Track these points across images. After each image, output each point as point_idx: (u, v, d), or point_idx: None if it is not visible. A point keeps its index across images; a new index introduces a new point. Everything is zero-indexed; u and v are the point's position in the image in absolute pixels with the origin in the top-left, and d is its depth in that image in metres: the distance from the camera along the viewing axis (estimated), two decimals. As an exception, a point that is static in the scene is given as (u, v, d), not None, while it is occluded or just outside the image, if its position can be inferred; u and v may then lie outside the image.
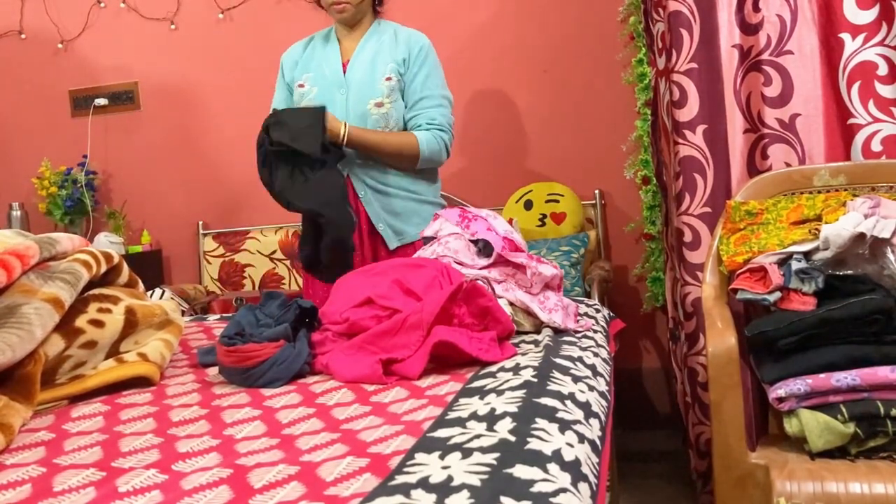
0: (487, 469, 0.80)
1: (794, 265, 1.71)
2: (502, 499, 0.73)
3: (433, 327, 1.33)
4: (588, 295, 2.66)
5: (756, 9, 2.04)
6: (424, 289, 1.45)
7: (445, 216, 1.79)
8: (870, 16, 1.96)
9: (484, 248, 1.69)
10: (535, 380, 1.16)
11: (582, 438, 0.96)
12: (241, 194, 3.48)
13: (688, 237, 2.09)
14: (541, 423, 0.96)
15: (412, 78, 2.12)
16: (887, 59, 1.95)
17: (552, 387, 1.13)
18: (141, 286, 1.53)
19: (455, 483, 0.77)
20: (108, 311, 1.33)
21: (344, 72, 2.13)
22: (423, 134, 2.09)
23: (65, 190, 3.48)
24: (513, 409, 1.01)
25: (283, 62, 2.25)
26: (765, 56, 2.04)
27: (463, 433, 0.93)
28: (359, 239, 2.12)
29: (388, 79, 2.09)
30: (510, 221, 2.75)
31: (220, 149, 3.52)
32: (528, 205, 2.99)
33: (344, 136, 2.01)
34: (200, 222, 3.53)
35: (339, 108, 2.09)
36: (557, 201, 2.97)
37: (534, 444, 0.89)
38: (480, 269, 1.65)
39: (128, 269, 1.50)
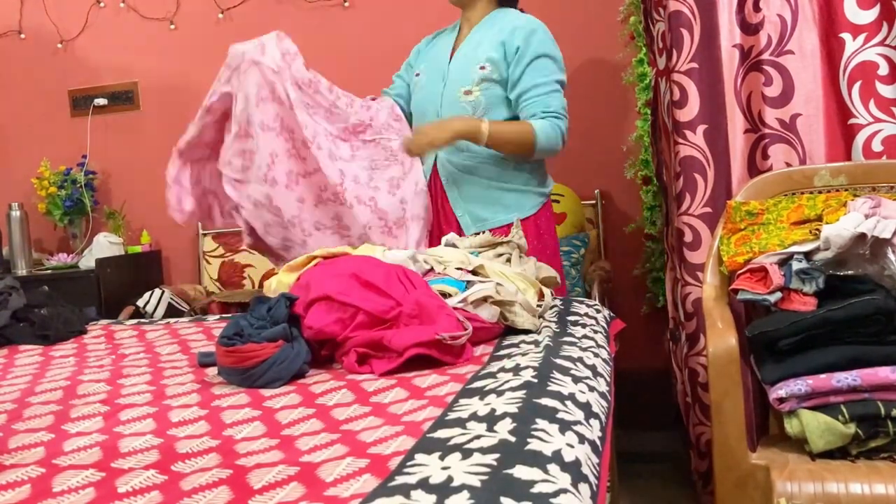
0: (487, 470, 0.80)
1: (795, 265, 1.71)
2: (502, 499, 0.73)
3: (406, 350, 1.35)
4: (588, 295, 2.66)
5: (756, 8, 2.04)
6: (384, 280, 1.45)
7: None
8: (870, 15, 1.96)
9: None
10: (536, 380, 1.15)
11: (582, 439, 0.96)
12: (240, 194, 3.47)
13: (688, 237, 2.09)
14: (541, 423, 0.96)
15: (516, 65, 2.05)
16: (888, 58, 1.95)
17: (552, 387, 1.13)
18: None
19: (455, 484, 0.77)
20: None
21: (449, 61, 2.17)
22: (539, 123, 2.03)
23: (64, 190, 3.47)
24: (513, 409, 1.01)
25: (413, 50, 2.33)
26: (765, 56, 2.03)
27: (463, 434, 0.93)
28: (437, 225, 2.14)
29: (483, 67, 2.07)
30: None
31: (219, 149, 3.51)
32: (529, 205, 2.98)
33: (485, 133, 2.00)
34: (200, 222, 3.52)
35: (435, 98, 2.14)
36: (557, 201, 2.97)
37: (534, 444, 0.88)
38: None
39: None
